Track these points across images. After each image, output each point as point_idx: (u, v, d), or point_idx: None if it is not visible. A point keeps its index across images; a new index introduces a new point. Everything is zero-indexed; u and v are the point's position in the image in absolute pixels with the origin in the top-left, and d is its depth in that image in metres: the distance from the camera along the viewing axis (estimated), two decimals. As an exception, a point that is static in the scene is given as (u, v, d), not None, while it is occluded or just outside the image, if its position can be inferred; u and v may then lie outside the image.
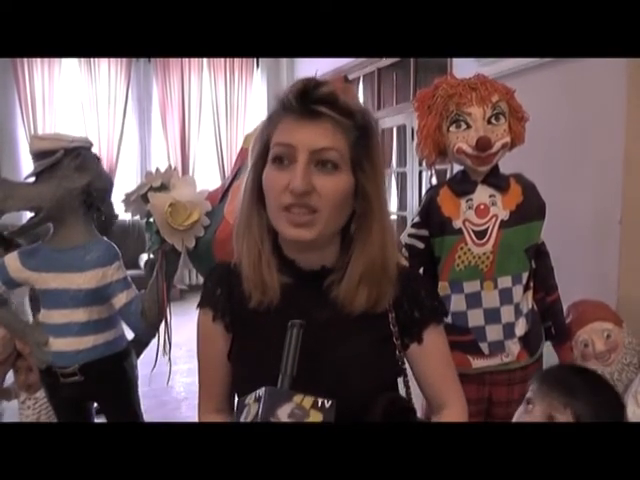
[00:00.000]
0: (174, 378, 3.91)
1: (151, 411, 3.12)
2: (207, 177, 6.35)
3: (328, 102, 0.90)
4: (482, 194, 1.65)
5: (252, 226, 0.97)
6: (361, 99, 4.97)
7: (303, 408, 0.80)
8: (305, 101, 0.90)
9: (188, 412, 3.46)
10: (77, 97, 5.99)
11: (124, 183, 5.29)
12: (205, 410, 1.10)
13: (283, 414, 0.78)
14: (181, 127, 6.36)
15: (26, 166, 5.14)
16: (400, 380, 1.06)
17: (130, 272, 1.93)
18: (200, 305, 1.06)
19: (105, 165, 5.92)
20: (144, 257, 5.54)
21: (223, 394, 1.07)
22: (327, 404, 0.81)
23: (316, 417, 0.80)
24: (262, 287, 0.97)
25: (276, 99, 0.95)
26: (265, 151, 0.94)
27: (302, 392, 0.82)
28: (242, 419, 0.82)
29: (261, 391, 0.81)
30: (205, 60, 6.36)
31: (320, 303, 0.98)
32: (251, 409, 0.81)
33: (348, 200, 0.94)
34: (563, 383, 1.14)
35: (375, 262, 0.96)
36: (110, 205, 1.87)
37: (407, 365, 1.05)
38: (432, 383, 1.06)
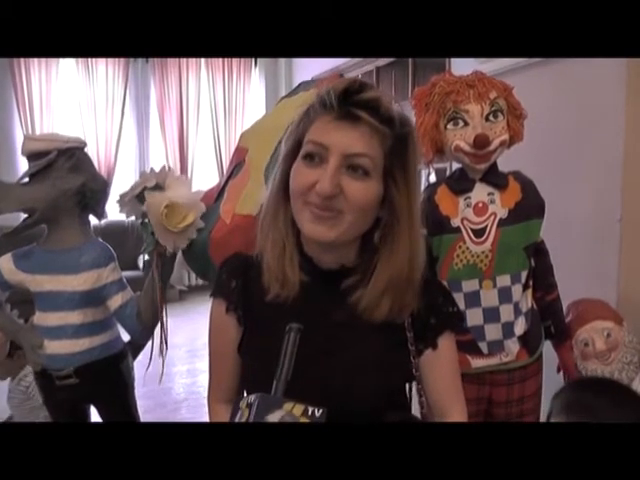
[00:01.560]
0: (173, 379, 3.91)
1: (150, 412, 3.13)
2: (206, 177, 6.34)
3: (370, 107, 0.88)
4: (480, 192, 1.63)
5: (278, 219, 0.96)
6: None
7: (293, 415, 0.80)
8: (346, 103, 0.88)
9: (188, 414, 3.45)
10: (75, 98, 5.97)
11: (122, 184, 5.27)
12: (214, 400, 1.10)
13: (273, 421, 0.79)
14: (179, 127, 6.34)
15: (23, 167, 5.12)
16: (410, 386, 1.06)
17: (129, 273, 1.92)
18: (213, 295, 1.06)
19: (103, 166, 5.92)
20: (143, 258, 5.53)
21: (232, 385, 1.07)
22: (317, 413, 0.81)
23: None
24: (283, 280, 0.96)
25: (317, 95, 0.93)
26: (297, 146, 0.93)
27: (306, 396, 0.82)
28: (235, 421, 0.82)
29: (253, 397, 0.81)
30: (203, 60, 6.35)
31: (336, 303, 0.97)
32: (243, 414, 0.81)
33: (374, 207, 0.92)
34: (594, 413, 1.09)
35: (401, 273, 0.94)
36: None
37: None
38: (440, 390, 1.05)
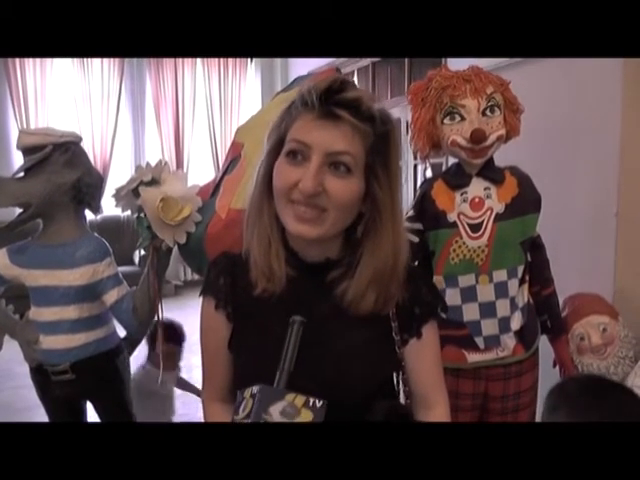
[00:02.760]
0: (169, 374, 3.90)
1: (146, 408, 3.11)
2: (201, 172, 6.32)
3: (351, 107, 0.89)
4: (477, 187, 1.63)
5: (263, 215, 0.97)
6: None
7: (295, 406, 0.82)
8: (327, 102, 0.89)
9: (183, 409, 3.44)
10: (70, 93, 5.94)
11: (118, 179, 5.25)
12: (209, 399, 1.11)
13: (275, 411, 0.81)
14: (175, 122, 6.33)
15: (18, 162, 5.10)
16: (398, 377, 1.06)
17: (125, 268, 1.91)
18: (203, 293, 1.07)
19: (99, 160, 5.90)
20: (139, 253, 5.52)
21: (226, 383, 1.07)
22: (318, 404, 0.83)
23: (307, 416, 0.82)
24: (269, 274, 0.97)
25: (298, 93, 0.94)
26: (280, 143, 0.94)
27: (299, 387, 0.84)
28: (240, 411, 0.84)
29: (256, 388, 0.84)
30: (199, 55, 6.33)
31: (322, 296, 0.98)
32: (247, 404, 0.84)
33: (357, 203, 0.94)
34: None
35: (385, 267, 0.96)
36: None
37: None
38: (424, 380, 1.06)
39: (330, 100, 0.89)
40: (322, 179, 0.89)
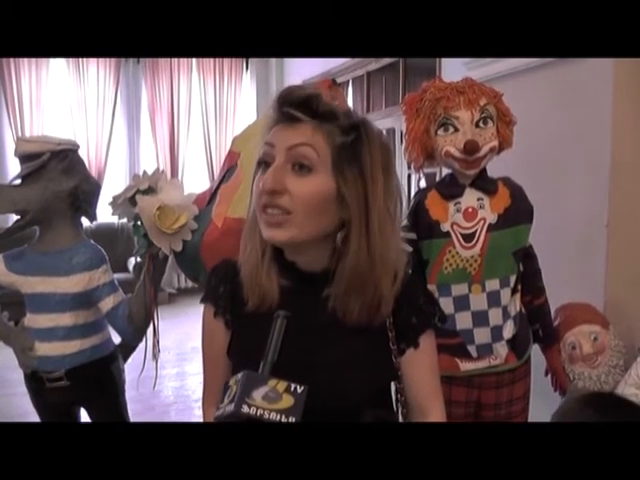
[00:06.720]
0: (162, 382, 3.89)
1: (139, 415, 3.11)
2: (196, 180, 6.32)
3: (306, 106, 0.91)
4: (470, 197, 1.65)
5: (256, 231, 0.97)
6: (350, 102, 4.97)
7: (277, 391, 0.85)
8: (283, 106, 0.92)
9: (176, 417, 3.43)
10: (65, 99, 5.94)
11: (113, 186, 5.26)
12: (209, 404, 1.11)
13: (258, 396, 0.84)
14: (170, 129, 6.32)
15: (13, 169, 5.09)
16: (393, 386, 1.07)
17: (119, 276, 1.92)
18: (203, 300, 1.08)
19: (94, 167, 5.89)
20: (133, 261, 5.50)
21: None
22: (299, 389, 0.86)
23: (288, 400, 0.85)
24: (259, 292, 0.97)
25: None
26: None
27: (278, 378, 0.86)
28: (225, 398, 0.87)
29: (240, 374, 0.87)
30: (194, 62, 6.33)
31: (319, 306, 0.97)
32: (232, 390, 0.86)
33: (325, 205, 0.92)
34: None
35: (360, 272, 0.93)
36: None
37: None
38: (421, 389, 1.06)
39: (285, 103, 0.92)
40: (284, 178, 0.89)
